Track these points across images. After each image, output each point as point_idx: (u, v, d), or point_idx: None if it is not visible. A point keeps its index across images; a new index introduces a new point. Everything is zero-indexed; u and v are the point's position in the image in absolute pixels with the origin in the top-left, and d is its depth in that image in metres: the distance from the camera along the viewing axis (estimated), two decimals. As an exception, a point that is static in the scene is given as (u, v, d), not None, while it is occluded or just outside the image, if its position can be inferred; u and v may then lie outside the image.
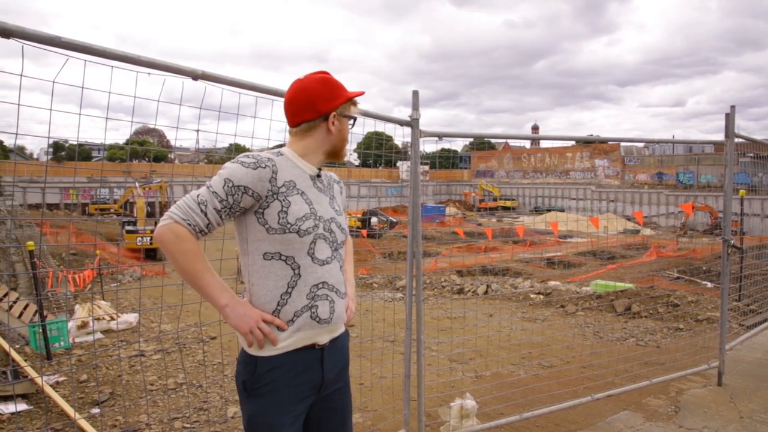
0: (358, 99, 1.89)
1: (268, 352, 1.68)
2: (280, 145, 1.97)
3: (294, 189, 1.71)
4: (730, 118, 4.33)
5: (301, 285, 1.70)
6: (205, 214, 1.63)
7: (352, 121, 1.89)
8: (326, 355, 1.76)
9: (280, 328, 1.68)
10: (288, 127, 1.85)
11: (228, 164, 1.67)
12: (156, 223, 1.68)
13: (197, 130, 2.97)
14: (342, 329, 1.87)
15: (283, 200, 1.68)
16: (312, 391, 1.75)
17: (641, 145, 47.70)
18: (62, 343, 6.87)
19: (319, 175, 1.83)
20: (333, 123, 1.80)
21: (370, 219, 31.77)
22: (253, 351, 1.69)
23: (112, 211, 38.18)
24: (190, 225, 1.61)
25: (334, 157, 1.87)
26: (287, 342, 1.69)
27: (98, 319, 8.11)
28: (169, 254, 1.62)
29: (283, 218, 1.67)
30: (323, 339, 1.76)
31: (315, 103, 1.77)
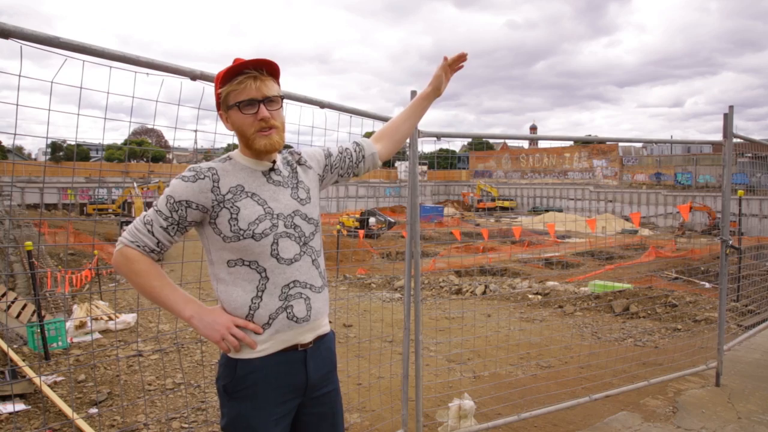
0: (241, 79, 1.63)
1: (248, 354, 1.65)
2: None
3: (242, 193, 1.65)
4: (728, 119, 4.34)
5: (271, 287, 1.65)
6: (152, 234, 1.62)
7: (246, 106, 1.63)
8: (310, 356, 1.72)
9: (255, 332, 1.64)
10: None
11: (172, 180, 1.65)
12: None
13: (195, 131, 2.97)
14: (326, 327, 1.81)
15: (231, 207, 1.63)
16: (296, 393, 1.71)
17: (639, 145, 47.78)
18: (60, 343, 6.86)
19: (273, 169, 1.73)
20: (226, 120, 1.71)
21: (368, 219, 31.79)
22: (233, 354, 1.66)
23: (110, 211, 38.17)
24: (139, 246, 1.62)
25: (255, 152, 1.69)
26: (267, 345, 1.65)
27: (96, 319, 8.10)
28: (126, 277, 1.63)
29: (234, 225, 1.62)
30: (306, 338, 1.71)
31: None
